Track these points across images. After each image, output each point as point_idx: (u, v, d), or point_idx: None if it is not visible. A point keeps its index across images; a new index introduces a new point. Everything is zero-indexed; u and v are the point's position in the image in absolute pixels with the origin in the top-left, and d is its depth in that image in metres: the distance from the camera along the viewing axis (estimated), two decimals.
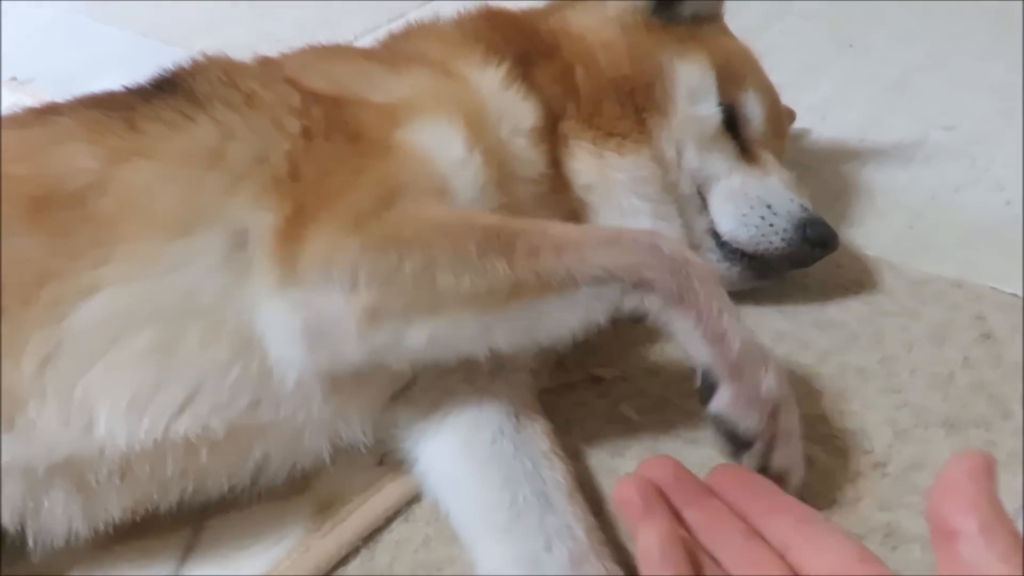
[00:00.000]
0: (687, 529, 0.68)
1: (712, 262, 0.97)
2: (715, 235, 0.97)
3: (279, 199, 0.74)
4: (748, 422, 0.72)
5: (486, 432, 0.78)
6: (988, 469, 0.55)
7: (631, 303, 0.72)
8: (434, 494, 0.78)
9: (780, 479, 0.73)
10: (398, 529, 0.78)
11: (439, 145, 0.80)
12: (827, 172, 1.27)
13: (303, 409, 0.74)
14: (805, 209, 0.97)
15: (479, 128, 0.84)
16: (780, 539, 0.65)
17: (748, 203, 0.96)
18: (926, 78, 1.51)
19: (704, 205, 0.98)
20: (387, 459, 0.82)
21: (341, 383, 0.74)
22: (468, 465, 0.76)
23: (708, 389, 0.72)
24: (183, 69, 0.87)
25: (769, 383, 0.71)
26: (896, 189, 1.23)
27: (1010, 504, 0.65)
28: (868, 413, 0.88)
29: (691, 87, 0.96)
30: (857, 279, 1.06)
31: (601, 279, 0.71)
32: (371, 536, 0.77)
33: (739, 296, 1.01)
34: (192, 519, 0.77)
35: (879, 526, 0.77)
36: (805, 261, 0.98)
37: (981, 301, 1.01)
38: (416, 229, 0.72)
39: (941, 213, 1.18)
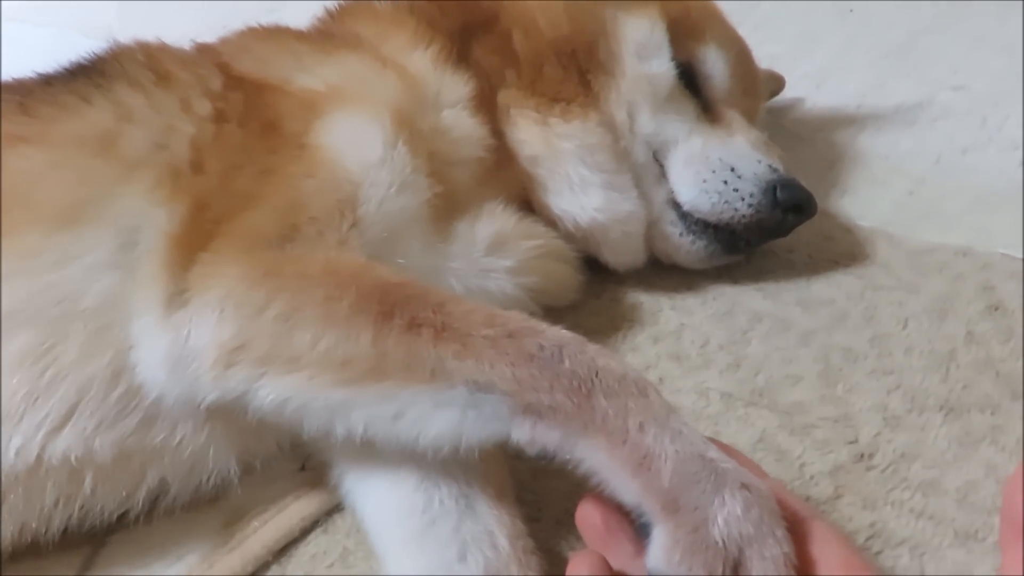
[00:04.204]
0: None
1: (675, 236, 0.88)
2: (676, 206, 0.88)
3: (176, 194, 0.68)
4: None
5: None
6: None
7: (521, 434, 0.57)
8: (350, 500, 0.70)
9: None
10: (315, 542, 0.70)
11: (355, 146, 0.73)
12: (820, 141, 1.16)
13: (206, 428, 0.66)
14: (775, 170, 0.87)
15: (406, 117, 0.77)
16: None
17: (709, 167, 0.86)
18: (933, 40, 1.39)
19: (662, 173, 0.88)
20: (310, 463, 0.75)
21: None
22: (382, 463, 0.67)
23: (646, 536, 0.54)
24: (105, 52, 0.82)
25: (728, 516, 0.51)
26: (896, 155, 1.12)
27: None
28: (854, 398, 0.78)
29: (640, 43, 0.87)
30: (849, 252, 0.96)
31: (480, 385, 0.57)
32: (284, 550, 0.70)
33: (714, 273, 0.92)
34: (92, 535, 0.70)
35: (861, 527, 0.67)
36: (779, 229, 0.88)
37: (990, 270, 0.90)
38: (300, 270, 0.63)
39: (946, 177, 1.07)
